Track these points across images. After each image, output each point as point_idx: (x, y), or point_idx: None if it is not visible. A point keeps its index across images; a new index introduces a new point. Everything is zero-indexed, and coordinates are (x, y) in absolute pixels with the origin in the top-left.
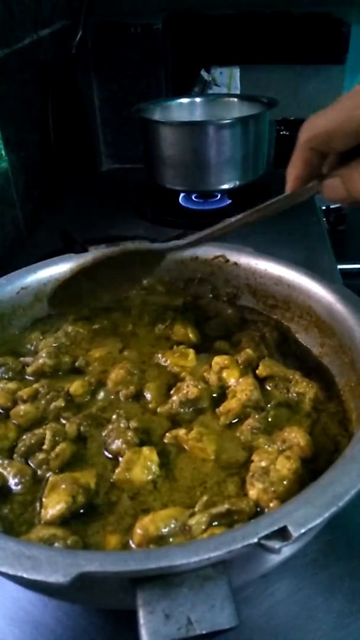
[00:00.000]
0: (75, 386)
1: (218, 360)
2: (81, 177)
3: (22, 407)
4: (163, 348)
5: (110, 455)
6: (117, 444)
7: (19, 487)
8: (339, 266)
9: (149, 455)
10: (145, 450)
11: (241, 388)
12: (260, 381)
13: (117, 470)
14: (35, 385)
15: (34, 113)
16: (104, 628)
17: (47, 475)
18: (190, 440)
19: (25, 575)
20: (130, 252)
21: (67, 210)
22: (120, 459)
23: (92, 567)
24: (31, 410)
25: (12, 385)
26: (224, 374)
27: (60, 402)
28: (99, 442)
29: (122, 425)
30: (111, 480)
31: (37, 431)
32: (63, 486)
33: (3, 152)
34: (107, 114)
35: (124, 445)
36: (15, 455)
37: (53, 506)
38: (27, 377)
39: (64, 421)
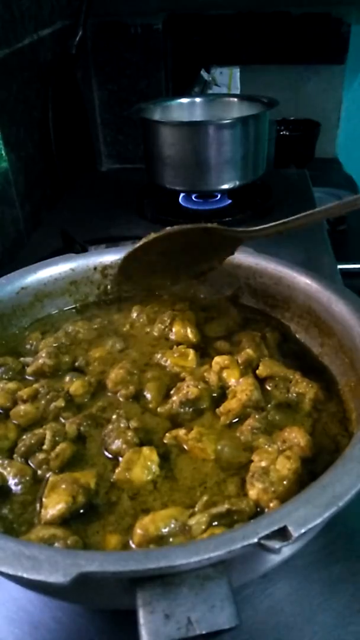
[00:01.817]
0: (76, 386)
1: (218, 360)
2: (81, 177)
3: (22, 407)
4: (163, 348)
5: (110, 455)
6: (117, 444)
7: (19, 487)
8: (339, 266)
9: (149, 455)
10: (145, 450)
11: (241, 388)
12: (261, 381)
13: (117, 470)
14: (35, 385)
15: (34, 113)
16: (104, 628)
17: (47, 475)
18: (190, 440)
19: (25, 575)
20: (204, 231)
21: (67, 210)
22: (120, 459)
23: (92, 567)
24: (31, 410)
25: (12, 385)
26: (224, 374)
27: (60, 402)
28: (98, 442)
29: (122, 425)
30: (111, 480)
31: (37, 431)
32: (63, 486)
33: (3, 152)
34: (107, 114)
35: (124, 446)
36: (15, 455)
37: (53, 506)
38: (27, 377)
39: (63, 421)
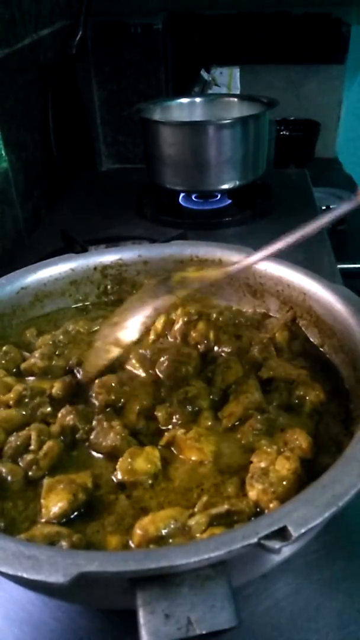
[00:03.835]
0: (57, 388)
1: (222, 360)
2: (81, 177)
3: (4, 413)
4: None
5: (102, 455)
6: (110, 439)
7: (15, 485)
8: (339, 266)
9: (151, 451)
10: (148, 448)
11: (242, 390)
12: (264, 383)
13: (120, 460)
14: (18, 387)
15: (34, 113)
16: (104, 628)
17: (39, 474)
18: (188, 440)
19: (25, 575)
20: None
21: (67, 210)
22: (117, 459)
23: (92, 567)
24: (16, 415)
25: (9, 379)
26: (228, 375)
27: (46, 408)
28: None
29: (104, 425)
30: (113, 473)
31: (22, 433)
32: (61, 486)
33: (3, 152)
34: (107, 114)
35: (117, 437)
36: (4, 458)
37: (55, 504)
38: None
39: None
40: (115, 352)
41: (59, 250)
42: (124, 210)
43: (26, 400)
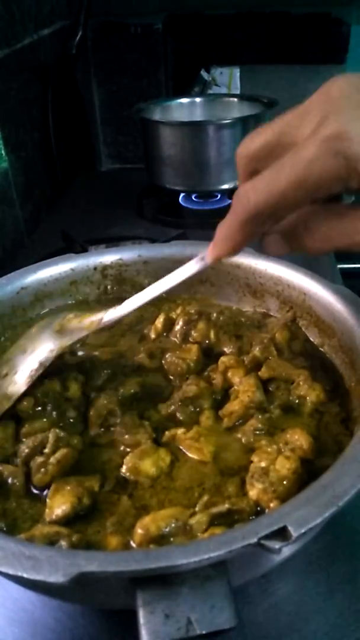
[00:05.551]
0: (73, 390)
1: (224, 359)
2: (81, 177)
3: (41, 437)
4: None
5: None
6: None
7: (17, 487)
8: (339, 266)
9: (163, 456)
10: (162, 451)
11: (243, 389)
12: (264, 382)
13: (128, 456)
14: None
15: (34, 113)
16: (104, 628)
17: (45, 480)
18: (188, 439)
19: (25, 575)
20: None
21: (67, 210)
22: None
23: (92, 567)
24: (41, 426)
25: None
26: (229, 374)
27: (72, 413)
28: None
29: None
30: (121, 467)
31: (40, 435)
32: (68, 488)
33: (3, 152)
34: (107, 114)
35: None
36: (17, 460)
37: (58, 506)
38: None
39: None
40: (5, 405)
41: (59, 250)
42: (124, 210)
43: (48, 408)
